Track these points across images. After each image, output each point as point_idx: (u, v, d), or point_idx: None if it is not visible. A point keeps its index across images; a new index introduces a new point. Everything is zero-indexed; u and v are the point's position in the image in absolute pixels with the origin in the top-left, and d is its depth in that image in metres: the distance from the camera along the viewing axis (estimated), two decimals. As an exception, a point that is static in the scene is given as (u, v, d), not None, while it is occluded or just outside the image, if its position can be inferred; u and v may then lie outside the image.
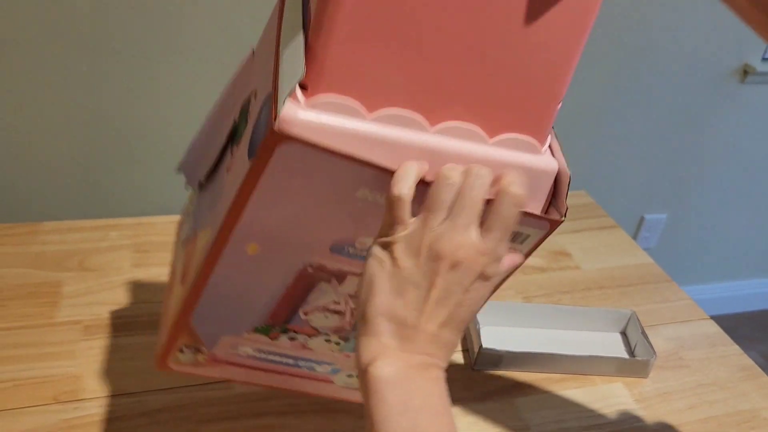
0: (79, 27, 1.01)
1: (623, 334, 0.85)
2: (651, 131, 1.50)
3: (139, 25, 1.03)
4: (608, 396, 0.77)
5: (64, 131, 1.09)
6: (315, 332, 0.55)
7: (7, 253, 0.87)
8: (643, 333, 0.81)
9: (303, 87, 0.40)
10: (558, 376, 0.78)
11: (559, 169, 0.46)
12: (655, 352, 0.78)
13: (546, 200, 0.47)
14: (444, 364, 0.41)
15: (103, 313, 0.80)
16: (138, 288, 0.84)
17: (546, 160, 0.45)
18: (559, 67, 0.43)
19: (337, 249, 0.48)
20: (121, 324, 0.78)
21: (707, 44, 1.40)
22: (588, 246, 1.02)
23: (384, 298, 0.40)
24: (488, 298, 0.43)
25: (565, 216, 0.45)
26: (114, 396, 0.69)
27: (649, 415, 0.75)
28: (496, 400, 0.74)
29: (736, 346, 0.86)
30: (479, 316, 0.80)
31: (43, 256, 0.87)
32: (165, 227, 0.95)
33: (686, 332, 0.87)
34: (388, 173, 0.41)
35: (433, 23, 0.40)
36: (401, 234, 0.40)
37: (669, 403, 0.77)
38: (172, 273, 0.61)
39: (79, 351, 0.74)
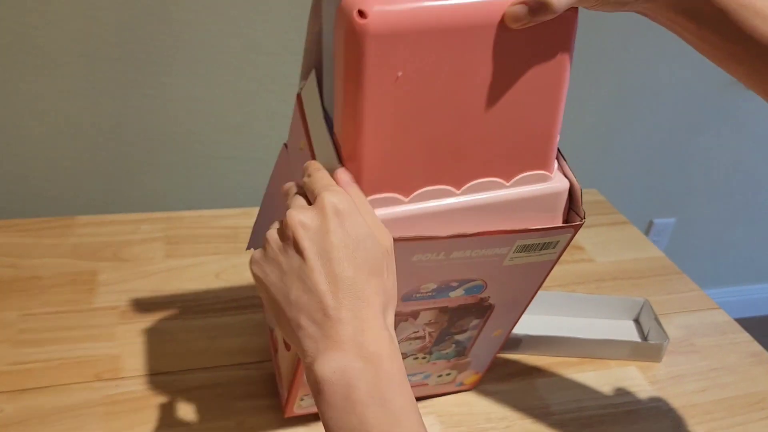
0: (106, 39, 1.05)
1: (636, 321, 0.89)
2: (659, 137, 1.53)
3: (161, 38, 1.07)
4: (623, 378, 0.80)
5: (94, 135, 1.13)
6: (404, 355, 0.65)
7: (46, 244, 0.91)
8: (656, 319, 0.84)
9: None
10: (575, 360, 0.81)
11: (570, 184, 0.54)
12: (668, 337, 0.82)
13: (565, 209, 0.56)
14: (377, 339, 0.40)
15: (138, 299, 0.83)
16: (170, 277, 0.88)
17: (557, 183, 0.54)
18: (548, 116, 0.51)
19: (407, 298, 0.57)
20: (156, 309, 0.82)
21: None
22: (600, 240, 1.05)
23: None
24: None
25: (584, 218, 0.54)
26: (152, 375, 0.73)
27: (663, 396, 0.78)
28: (517, 382, 0.77)
29: (746, 334, 0.89)
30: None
31: (80, 248, 0.91)
32: (193, 221, 0.99)
33: (696, 321, 0.91)
34: (432, 239, 0.50)
35: (441, 114, 0.47)
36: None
37: (681, 386, 0.80)
38: (274, 336, 0.70)
39: (117, 334, 0.78)
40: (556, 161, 0.55)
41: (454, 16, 0.44)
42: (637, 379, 0.80)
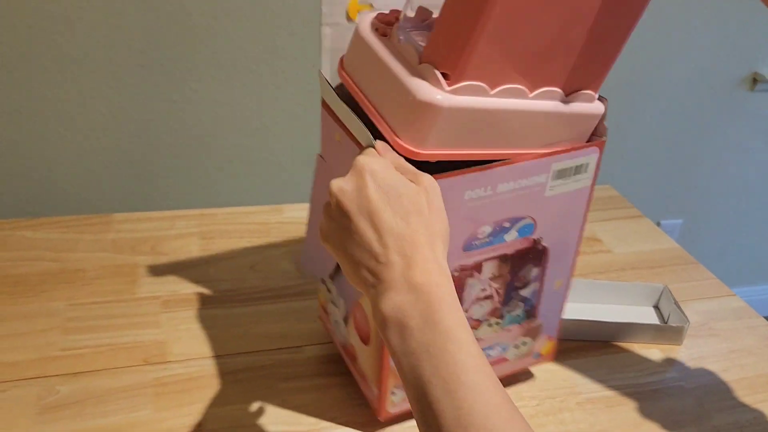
0: (131, 46, 1.09)
1: (656, 307, 0.92)
2: (666, 137, 1.56)
3: (183, 44, 1.11)
4: (646, 360, 0.83)
5: (119, 140, 1.16)
6: (478, 323, 0.67)
7: (86, 240, 0.95)
8: (676, 304, 0.87)
9: (445, 76, 0.51)
10: (599, 344, 0.85)
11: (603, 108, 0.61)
12: (688, 320, 0.85)
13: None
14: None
15: (179, 289, 0.87)
16: (207, 269, 0.91)
17: (597, 106, 0.61)
18: (617, 43, 0.57)
19: (467, 247, 0.61)
20: (196, 299, 0.86)
21: (717, 54, 1.47)
22: (617, 233, 1.09)
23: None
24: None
25: (605, 136, 0.62)
26: (197, 359, 0.76)
27: (685, 376, 0.81)
28: (545, 364, 0.81)
29: (762, 318, 0.92)
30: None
31: (119, 242, 0.95)
32: (225, 217, 1.03)
33: (714, 306, 0.94)
34: (484, 170, 0.56)
35: (540, 17, 0.51)
36: None
37: (703, 366, 0.83)
38: (348, 346, 0.72)
39: (162, 321, 0.81)
40: None
41: None
42: (659, 361, 0.83)
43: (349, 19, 0.63)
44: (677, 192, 1.68)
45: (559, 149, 0.59)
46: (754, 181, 1.74)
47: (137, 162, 1.19)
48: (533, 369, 0.79)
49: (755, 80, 1.55)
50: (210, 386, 0.73)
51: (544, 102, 0.56)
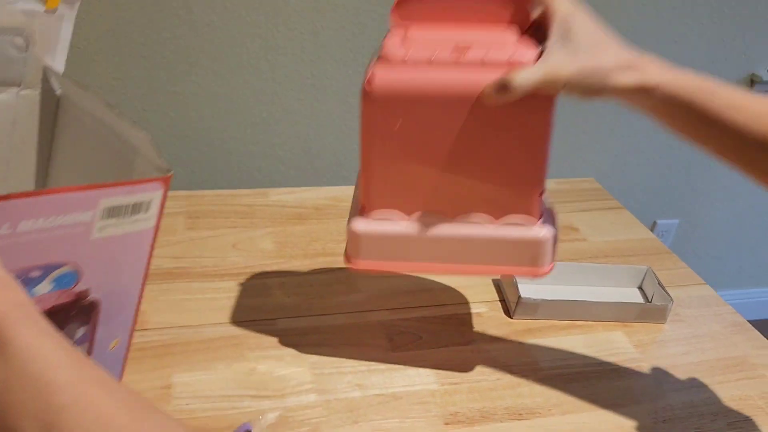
0: (134, 39, 1.14)
1: (640, 288, 0.95)
2: (663, 138, 1.56)
3: (185, 38, 1.15)
4: (609, 341, 0.85)
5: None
6: None
7: (76, 216, 0.99)
8: (660, 284, 0.90)
9: (362, 209, 0.65)
10: (564, 323, 0.87)
11: (549, 236, 0.64)
12: (672, 299, 0.87)
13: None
14: None
15: (162, 264, 0.91)
16: (191, 246, 0.95)
17: (539, 231, 0.64)
18: (532, 171, 0.61)
19: None
20: (178, 273, 0.89)
21: (715, 54, 1.48)
22: (595, 223, 1.11)
23: None
24: None
25: (170, 171, 0.52)
26: (174, 327, 0.80)
27: (646, 357, 0.84)
28: (509, 342, 0.84)
29: (729, 306, 0.94)
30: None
31: (108, 220, 0.99)
32: (212, 199, 1.07)
33: (683, 294, 0.96)
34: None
35: (440, 159, 0.59)
36: None
37: (664, 349, 0.85)
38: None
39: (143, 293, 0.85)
40: (543, 213, 0.65)
41: (440, 85, 0.56)
42: (622, 342, 0.86)
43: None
44: (673, 192, 1.69)
45: (110, 183, 0.47)
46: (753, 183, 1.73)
47: None
48: (497, 346, 0.82)
49: (753, 81, 1.56)
50: (183, 353, 0.76)
51: (467, 226, 0.63)
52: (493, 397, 0.75)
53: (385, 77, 0.56)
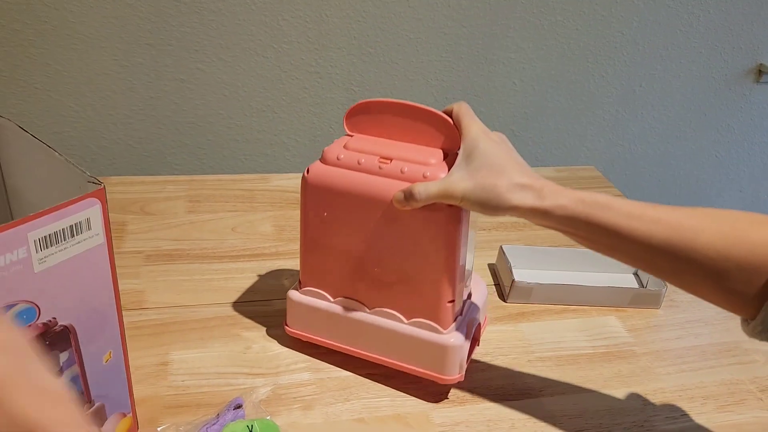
0: (140, 26, 1.15)
1: (635, 274, 0.95)
2: (667, 131, 1.56)
3: (191, 26, 1.16)
4: (601, 325, 0.86)
5: (128, 116, 1.22)
6: None
7: (79, 199, 1.00)
8: None
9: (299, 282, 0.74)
10: (558, 307, 0.88)
11: (458, 344, 0.68)
12: (665, 284, 0.88)
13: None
14: None
15: (162, 246, 0.92)
16: (191, 228, 0.97)
17: (445, 338, 0.68)
18: (440, 280, 0.65)
19: None
20: (177, 255, 0.91)
21: (722, 45, 1.46)
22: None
23: None
24: None
25: (101, 184, 0.52)
26: (172, 307, 0.82)
27: (639, 342, 0.84)
28: (502, 325, 0.85)
29: (725, 293, 0.94)
30: (510, 258, 0.90)
31: (110, 202, 0.99)
32: (213, 184, 1.08)
33: (678, 280, 0.96)
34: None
35: (359, 253, 0.68)
36: None
37: (657, 334, 0.86)
38: None
39: (142, 273, 0.87)
40: (454, 322, 0.69)
41: (361, 187, 0.64)
42: (615, 327, 0.86)
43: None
44: (680, 186, 1.68)
45: (32, 215, 0.46)
46: (759, 175, 1.73)
47: (144, 138, 1.25)
48: (490, 328, 0.83)
49: (761, 72, 1.54)
50: (180, 331, 0.78)
51: (381, 319, 0.69)
52: (483, 378, 0.76)
53: (318, 172, 0.66)
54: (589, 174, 1.24)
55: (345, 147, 0.66)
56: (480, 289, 0.78)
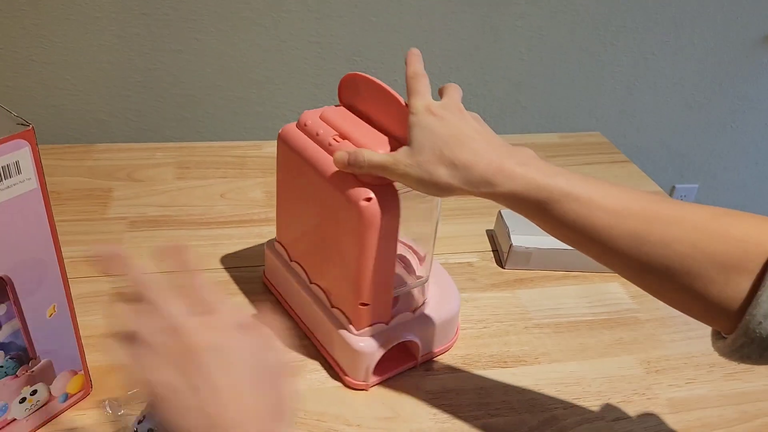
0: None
1: None
2: (681, 100, 1.51)
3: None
4: (604, 292, 0.82)
5: (124, 88, 1.20)
6: None
7: (65, 166, 0.98)
8: None
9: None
10: (558, 274, 0.84)
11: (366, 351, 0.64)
12: None
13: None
14: None
15: (147, 212, 0.89)
16: (179, 195, 0.94)
17: (355, 340, 0.64)
18: (352, 280, 0.61)
19: None
20: (163, 221, 0.88)
21: (736, 12, 1.41)
22: (598, 176, 1.07)
23: None
24: None
25: (30, 124, 0.48)
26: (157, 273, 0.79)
27: (643, 309, 0.80)
28: (499, 291, 0.81)
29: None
30: (508, 223, 0.86)
31: (97, 169, 0.98)
32: (204, 150, 1.05)
33: (686, 246, 0.92)
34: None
35: (306, 222, 0.68)
36: None
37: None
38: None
39: (126, 239, 0.84)
40: (368, 326, 0.64)
41: (308, 157, 0.62)
42: (618, 293, 0.82)
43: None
44: (693, 156, 1.64)
45: None
46: (773, 145, 1.68)
47: (142, 111, 1.22)
48: (486, 295, 0.80)
49: (770, 41, 1.50)
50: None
51: (312, 295, 0.69)
52: (477, 345, 0.72)
53: (287, 131, 0.66)
54: (595, 140, 1.19)
55: (320, 116, 0.65)
56: (447, 308, 0.70)
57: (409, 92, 0.57)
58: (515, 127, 1.40)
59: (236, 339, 0.42)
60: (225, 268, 0.80)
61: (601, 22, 1.33)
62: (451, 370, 0.69)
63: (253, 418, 0.39)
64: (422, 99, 0.56)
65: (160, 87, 1.22)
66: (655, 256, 0.46)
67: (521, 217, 0.86)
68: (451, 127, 0.53)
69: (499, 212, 0.88)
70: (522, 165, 0.50)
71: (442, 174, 0.51)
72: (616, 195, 0.48)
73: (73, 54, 1.15)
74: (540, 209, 0.50)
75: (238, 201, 0.93)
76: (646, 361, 0.72)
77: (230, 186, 0.97)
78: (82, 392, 0.62)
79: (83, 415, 0.61)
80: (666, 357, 0.73)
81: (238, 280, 0.78)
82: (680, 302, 0.48)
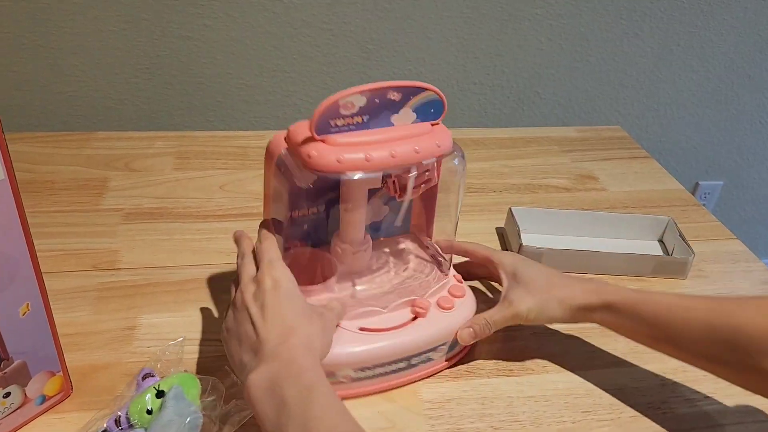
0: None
1: (661, 242, 0.86)
2: (706, 94, 1.46)
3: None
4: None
5: (132, 75, 1.16)
6: None
7: (63, 154, 0.95)
8: (681, 236, 0.81)
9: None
10: (583, 275, 0.80)
11: None
12: (693, 252, 0.79)
13: None
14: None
15: (143, 203, 0.86)
16: (177, 186, 0.91)
17: None
18: None
19: None
20: (159, 213, 0.85)
21: (766, 1, 1.36)
22: (617, 172, 1.02)
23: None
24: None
25: None
26: (147, 268, 0.76)
27: (661, 315, 0.75)
28: (507, 293, 0.77)
29: (763, 263, 0.85)
30: (519, 221, 0.82)
31: (94, 158, 0.95)
32: (205, 140, 1.02)
33: (709, 248, 0.87)
34: None
35: None
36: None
37: (682, 307, 0.77)
38: None
39: (119, 232, 0.81)
40: None
41: None
42: (634, 298, 0.77)
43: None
44: (718, 151, 1.58)
45: None
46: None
47: (152, 98, 1.19)
48: (489, 299, 0.75)
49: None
50: (153, 293, 0.72)
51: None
52: (480, 351, 0.68)
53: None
54: (615, 134, 1.14)
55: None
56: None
57: (487, 252, 0.70)
58: (533, 119, 1.35)
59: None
60: (219, 264, 0.77)
61: (625, 10, 1.27)
62: (453, 376, 0.65)
63: (293, 337, 0.50)
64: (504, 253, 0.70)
65: (169, 74, 1.18)
66: (726, 341, 0.52)
67: (533, 214, 0.83)
68: (541, 266, 0.67)
69: (510, 209, 0.84)
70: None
71: (568, 298, 0.63)
72: (686, 298, 0.58)
73: (81, 39, 1.12)
74: (645, 314, 0.59)
75: (238, 193, 0.90)
76: (662, 372, 0.68)
77: (230, 177, 0.93)
78: (61, 394, 0.59)
79: (62, 418, 0.57)
80: (683, 368, 0.68)
81: (231, 277, 0.75)
82: (754, 384, 0.53)
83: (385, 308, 0.63)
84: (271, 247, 0.57)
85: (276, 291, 0.52)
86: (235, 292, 0.55)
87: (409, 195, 0.60)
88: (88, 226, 0.81)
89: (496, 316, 0.62)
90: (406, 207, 0.69)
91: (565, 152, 1.07)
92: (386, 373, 0.61)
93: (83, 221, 0.82)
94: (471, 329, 0.62)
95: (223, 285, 0.74)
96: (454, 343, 0.64)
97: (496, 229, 0.87)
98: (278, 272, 0.54)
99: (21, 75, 1.13)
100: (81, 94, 1.17)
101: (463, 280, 0.69)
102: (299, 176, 0.58)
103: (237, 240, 0.62)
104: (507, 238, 0.84)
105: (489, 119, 1.28)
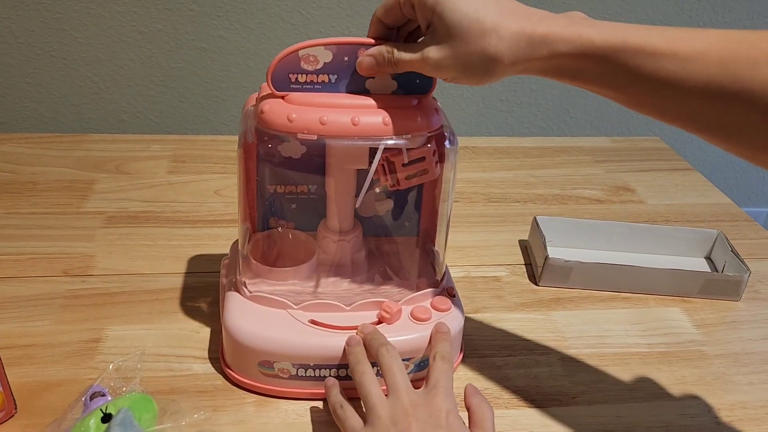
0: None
1: (708, 258, 0.75)
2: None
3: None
4: (661, 318, 0.67)
5: (146, 87, 1.11)
6: None
7: (52, 156, 0.89)
8: (734, 251, 0.71)
9: None
10: (605, 294, 0.69)
11: None
12: (749, 269, 0.68)
13: None
14: None
15: (129, 207, 0.79)
16: (168, 190, 0.83)
17: None
18: None
19: None
20: (144, 217, 0.77)
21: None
22: (656, 184, 0.92)
23: None
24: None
25: None
26: (122, 275, 0.68)
27: (711, 341, 0.65)
28: (531, 312, 0.67)
29: (827, 285, 0.74)
30: (545, 232, 0.72)
31: (84, 160, 0.88)
32: (203, 144, 0.96)
33: (764, 268, 0.76)
34: None
35: None
36: None
37: (736, 332, 0.66)
38: None
39: (98, 236, 0.73)
40: None
41: None
42: (679, 321, 0.67)
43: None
44: (764, 175, 1.46)
45: None
46: None
47: (164, 112, 1.14)
48: (517, 316, 0.65)
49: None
50: (125, 303, 0.64)
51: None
52: (501, 377, 0.58)
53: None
54: (654, 146, 1.04)
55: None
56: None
57: None
58: (564, 129, 1.26)
59: None
60: (202, 273, 0.68)
61: (662, 9, 1.18)
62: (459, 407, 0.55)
63: None
64: None
65: (183, 87, 1.13)
66: (739, 106, 0.38)
67: (561, 224, 0.73)
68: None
69: (534, 218, 0.74)
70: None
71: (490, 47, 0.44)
72: (689, 38, 0.40)
73: (94, 49, 1.07)
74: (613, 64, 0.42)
75: (233, 198, 0.82)
76: (715, 408, 0.57)
77: (227, 182, 0.85)
78: (2, 414, 0.50)
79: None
80: (742, 404, 0.57)
81: (216, 287, 0.66)
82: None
83: (348, 306, 0.54)
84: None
85: None
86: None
87: (401, 183, 0.51)
88: (65, 229, 0.74)
89: (410, 54, 0.47)
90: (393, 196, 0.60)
91: (598, 162, 0.98)
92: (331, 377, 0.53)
93: (61, 224, 0.75)
94: (372, 56, 0.48)
95: (207, 296, 0.65)
96: (424, 363, 0.55)
97: (519, 241, 0.78)
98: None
99: (32, 86, 1.08)
100: (93, 106, 1.11)
101: (456, 294, 0.59)
102: (258, 136, 0.50)
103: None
104: (531, 250, 0.74)
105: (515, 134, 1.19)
